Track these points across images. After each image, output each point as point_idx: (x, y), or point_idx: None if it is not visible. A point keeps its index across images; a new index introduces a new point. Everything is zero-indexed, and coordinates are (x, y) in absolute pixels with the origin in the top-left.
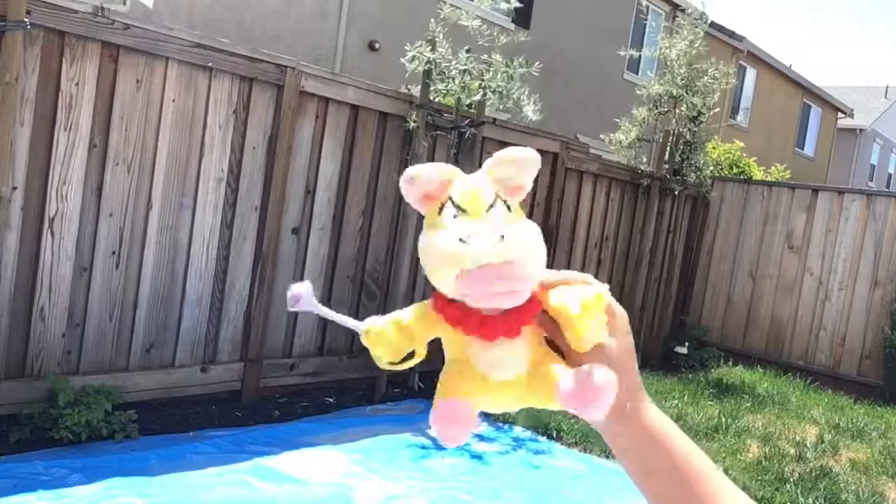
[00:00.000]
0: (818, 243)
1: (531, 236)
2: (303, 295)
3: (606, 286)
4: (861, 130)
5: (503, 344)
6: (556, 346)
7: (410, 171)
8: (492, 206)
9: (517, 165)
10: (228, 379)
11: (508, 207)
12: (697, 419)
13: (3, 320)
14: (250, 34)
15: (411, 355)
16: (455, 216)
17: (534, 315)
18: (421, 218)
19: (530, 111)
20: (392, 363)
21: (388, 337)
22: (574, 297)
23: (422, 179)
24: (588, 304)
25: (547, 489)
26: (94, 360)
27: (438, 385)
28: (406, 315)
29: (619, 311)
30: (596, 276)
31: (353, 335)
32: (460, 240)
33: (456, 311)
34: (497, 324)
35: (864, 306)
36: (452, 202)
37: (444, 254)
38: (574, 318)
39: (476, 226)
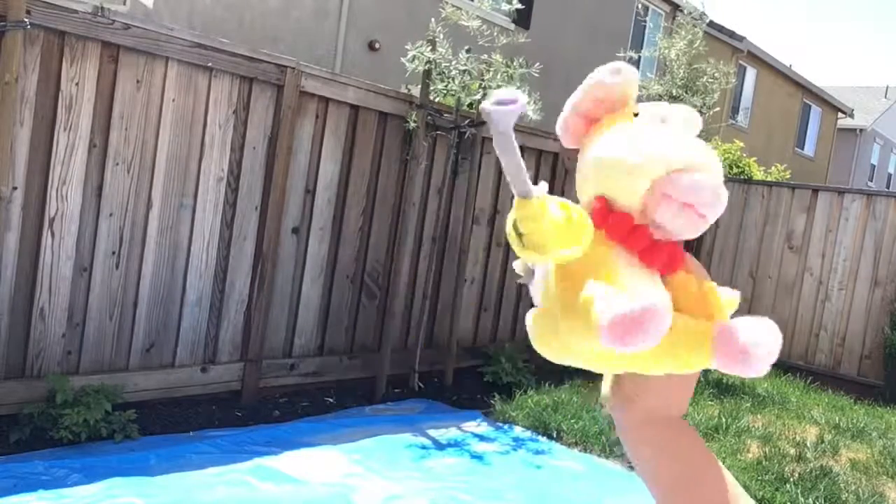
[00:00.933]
0: (818, 243)
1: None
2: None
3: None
4: (861, 130)
5: (654, 278)
6: None
7: (618, 64)
8: (664, 120)
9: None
10: (228, 379)
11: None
12: (697, 419)
13: (3, 320)
14: (250, 34)
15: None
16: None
17: (684, 264)
18: (420, 217)
19: (530, 111)
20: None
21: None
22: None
23: (628, 77)
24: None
25: (547, 489)
26: (94, 360)
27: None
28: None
29: None
30: None
31: (352, 335)
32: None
33: (628, 222)
34: (663, 251)
35: (864, 306)
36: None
37: (662, 151)
38: (717, 309)
39: (687, 138)
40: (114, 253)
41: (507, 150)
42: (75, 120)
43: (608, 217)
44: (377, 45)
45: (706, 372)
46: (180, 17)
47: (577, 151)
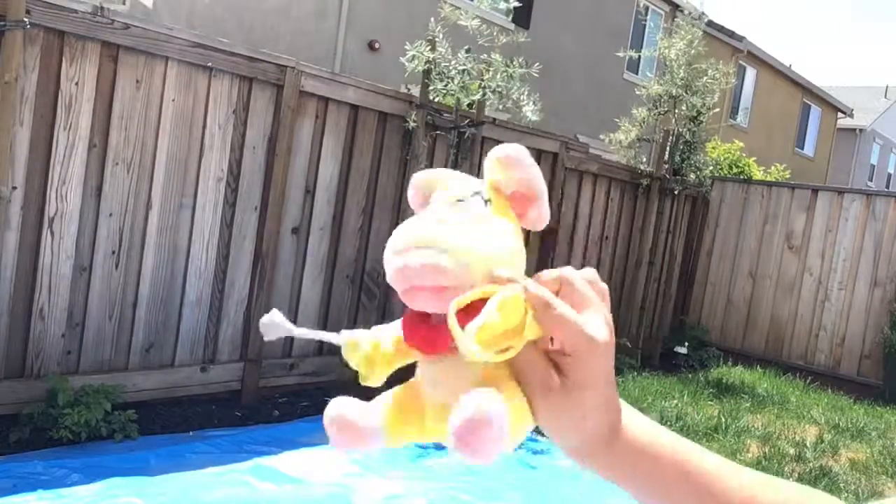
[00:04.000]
0: (818, 243)
1: (484, 230)
2: (270, 324)
3: (521, 289)
4: (861, 130)
5: (443, 360)
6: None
7: (414, 176)
8: (462, 200)
9: (501, 165)
10: (228, 379)
11: (486, 203)
12: (697, 419)
13: (3, 320)
14: (250, 34)
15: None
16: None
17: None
18: None
19: (530, 111)
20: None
21: (365, 355)
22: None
23: (415, 182)
24: (498, 310)
25: (546, 489)
26: (94, 359)
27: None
28: (387, 332)
29: (602, 337)
30: None
31: None
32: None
33: (406, 319)
34: (431, 334)
35: (864, 306)
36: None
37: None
38: (451, 324)
39: (427, 211)
40: (113, 253)
41: (301, 335)
42: (75, 120)
43: (403, 317)
44: (377, 45)
45: (706, 371)
46: (180, 17)
47: (575, 151)
